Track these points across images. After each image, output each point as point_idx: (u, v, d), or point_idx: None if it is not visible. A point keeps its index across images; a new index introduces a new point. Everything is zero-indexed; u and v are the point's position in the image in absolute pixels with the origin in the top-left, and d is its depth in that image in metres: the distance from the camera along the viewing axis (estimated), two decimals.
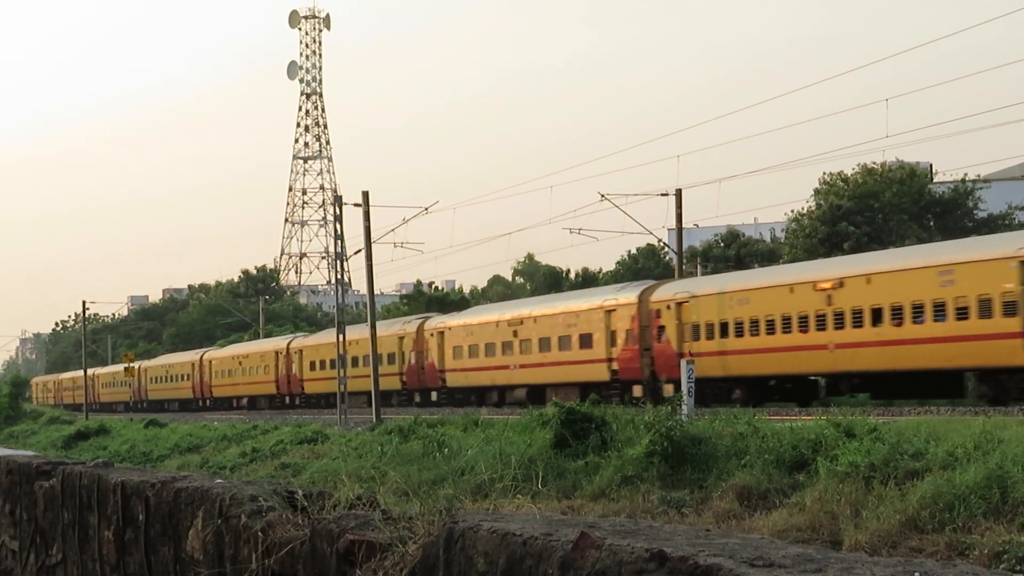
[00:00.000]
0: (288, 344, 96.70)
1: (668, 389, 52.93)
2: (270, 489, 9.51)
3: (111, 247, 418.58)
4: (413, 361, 77.25)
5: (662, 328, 55.70)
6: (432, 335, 75.23)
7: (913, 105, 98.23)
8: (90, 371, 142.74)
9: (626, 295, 59.63)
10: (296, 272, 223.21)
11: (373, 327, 60.40)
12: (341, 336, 61.80)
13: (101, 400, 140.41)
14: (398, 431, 38.59)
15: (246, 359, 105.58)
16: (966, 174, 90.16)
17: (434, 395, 74.87)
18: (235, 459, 44.82)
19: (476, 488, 21.23)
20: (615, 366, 59.09)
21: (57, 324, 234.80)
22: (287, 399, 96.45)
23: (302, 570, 8.38)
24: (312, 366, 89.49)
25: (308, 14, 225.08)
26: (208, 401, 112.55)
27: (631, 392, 55.64)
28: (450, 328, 73.50)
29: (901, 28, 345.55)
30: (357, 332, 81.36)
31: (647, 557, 4.93)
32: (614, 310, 59.07)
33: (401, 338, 78.36)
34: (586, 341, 60.57)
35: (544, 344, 63.56)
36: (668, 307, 55.79)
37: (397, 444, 35.31)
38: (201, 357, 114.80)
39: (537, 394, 61.61)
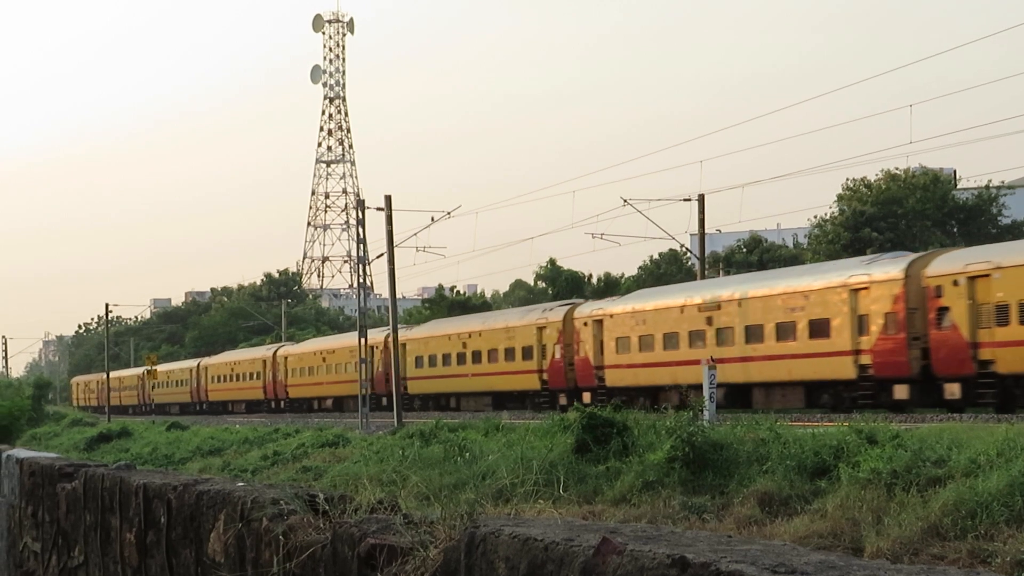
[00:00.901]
0: (387, 338, 76.84)
1: (952, 389, 44.02)
2: (291, 492, 9.51)
3: (134, 251, 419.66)
4: (558, 356, 65.95)
5: (943, 311, 44.38)
6: (585, 324, 63.73)
7: (937, 111, 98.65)
8: (142, 370, 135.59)
9: (884, 269, 47.92)
10: (318, 276, 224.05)
11: (395, 331, 60.47)
12: (363, 340, 61.86)
13: (155, 401, 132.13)
14: (419, 435, 38.64)
15: (332, 355, 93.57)
16: (990, 180, 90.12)
17: (587, 396, 61.31)
18: (257, 462, 44.95)
19: (497, 493, 21.27)
20: (865, 359, 47.55)
21: (80, 327, 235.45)
22: (386, 400, 78.24)
23: (323, 574, 8.39)
24: (419, 362, 75.36)
25: (332, 18, 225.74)
26: (283, 403, 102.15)
27: (890, 393, 46.35)
28: (611, 315, 61.66)
29: (925, 34, 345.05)
30: (478, 323, 75.48)
31: (668, 563, 4.92)
32: (865, 288, 47.63)
33: (542, 328, 67.57)
34: (819, 328, 48.98)
35: (753, 333, 52.33)
36: (955, 283, 43.94)
37: (418, 448, 35.35)
38: (275, 353, 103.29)
39: (740, 395, 52.26)
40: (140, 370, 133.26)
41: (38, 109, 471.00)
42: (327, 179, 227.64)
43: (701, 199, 66.66)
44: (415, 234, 66.16)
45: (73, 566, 15.47)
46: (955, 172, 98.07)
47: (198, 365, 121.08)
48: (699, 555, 4.88)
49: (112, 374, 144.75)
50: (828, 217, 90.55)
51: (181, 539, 11.61)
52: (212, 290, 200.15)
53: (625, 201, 66.75)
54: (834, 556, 4.77)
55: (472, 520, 6.77)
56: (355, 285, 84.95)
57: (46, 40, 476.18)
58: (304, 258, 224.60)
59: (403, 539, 7.38)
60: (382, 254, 60.85)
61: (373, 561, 7.56)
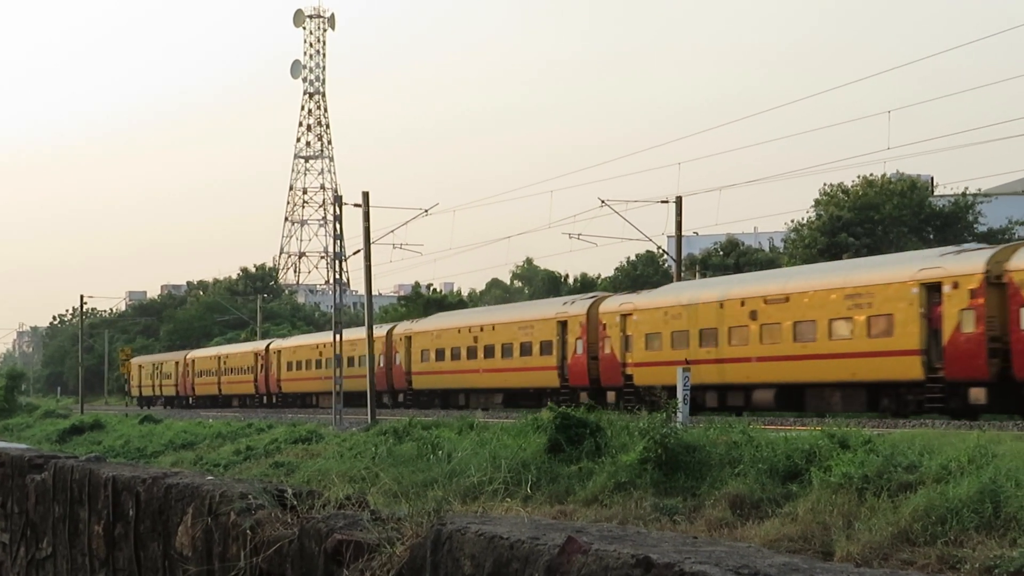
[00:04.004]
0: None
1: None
2: (260, 487, 9.50)
3: (110, 243, 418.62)
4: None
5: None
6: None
7: (915, 117, 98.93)
8: (263, 344, 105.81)
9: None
10: (295, 271, 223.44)
11: (370, 328, 60.34)
12: (338, 336, 61.76)
13: (283, 390, 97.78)
14: (392, 432, 38.59)
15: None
16: (967, 188, 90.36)
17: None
18: (229, 457, 44.85)
19: (466, 491, 21.25)
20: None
21: (55, 318, 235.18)
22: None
23: (290, 569, 8.36)
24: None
25: (313, 13, 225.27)
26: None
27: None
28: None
29: (904, 40, 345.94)
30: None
31: (633, 563, 4.91)
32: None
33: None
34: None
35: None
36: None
37: (391, 445, 35.31)
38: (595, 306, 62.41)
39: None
40: (259, 344, 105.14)
41: (17, 105, 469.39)
42: (305, 174, 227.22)
43: (678, 201, 66.70)
44: (392, 231, 66.37)
45: (41, 558, 15.42)
46: (932, 179, 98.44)
47: (396, 329, 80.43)
48: (663, 555, 4.88)
49: (203, 352, 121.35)
50: (805, 221, 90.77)
51: (149, 532, 11.58)
52: (188, 284, 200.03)
53: (603, 202, 66.81)
54: (798, 559, 4.77)
55: (439, 517, 6.77)
56: (331, 281, 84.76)
57: (26, 37, 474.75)
58: (281, 253, 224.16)
59: (370, 535, 7.36)
60: (359, 251, 60.76)
61: (340, 557, 7.55)
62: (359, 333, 79.93)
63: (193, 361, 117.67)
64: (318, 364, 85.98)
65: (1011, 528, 17.94)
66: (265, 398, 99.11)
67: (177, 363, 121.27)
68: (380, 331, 76.37)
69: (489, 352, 65.87)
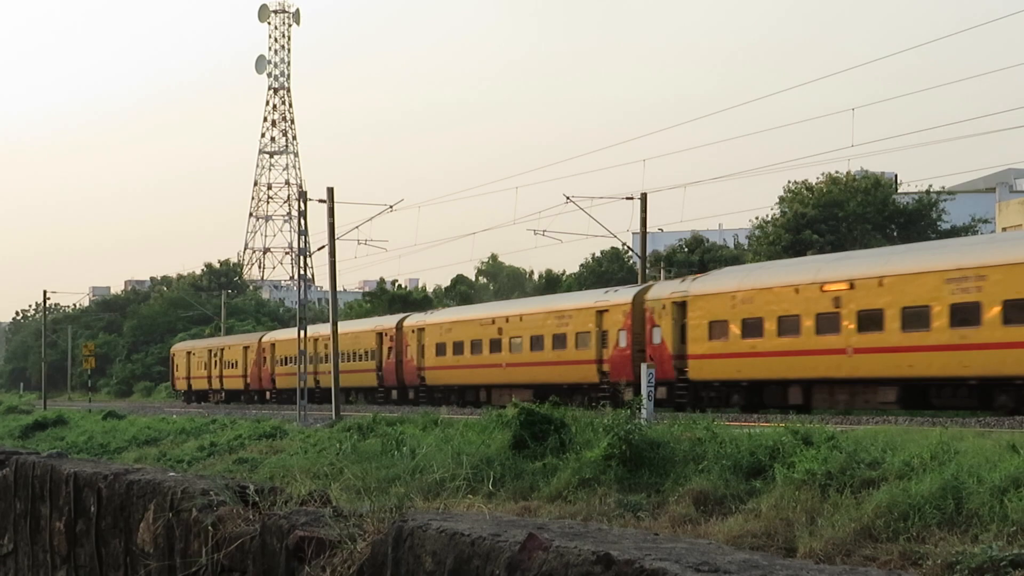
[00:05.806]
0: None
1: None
2: (222, 484, 9.49)
3: (73, 238, 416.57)
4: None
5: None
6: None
7: (879, 115, 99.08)
8: (389, 319, 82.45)
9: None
10: (259, 267, 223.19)
11: (334, 324, 60.24)
12: (303, 332, 61.68)
13: (427, 382, 73.69)
14: (356, 428, 38.57)
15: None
16: (931, 185, 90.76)
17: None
18: (193, 453, 44.78)
19: (429, 488, 21.25)
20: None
21: (17, 313, 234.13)
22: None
23: (251, 565, 8.35)
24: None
25: (278, 8, 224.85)
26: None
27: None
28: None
29: (868, 38, 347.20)
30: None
31: (593, 560, 4.92)
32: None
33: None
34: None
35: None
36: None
37: (355, 442, 35.29)
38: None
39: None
40: (384, 321, 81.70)
41: None
42: (270, 170, 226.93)
43: (643, 198, 66.80)
44: (357, 227, 66.04)
45: (2, 554, 15.35)
46: (896, 176, 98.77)
47: (641, 294, 58.07)
48: (624, 552, 4.87)
49: (281, 334, 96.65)
50: (769, 219, 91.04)
51: (111, 528, 11.54)
52: (152, 279, 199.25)
53: (568, 198, 66.80)
54: (758, 555, 4.77)
55: (401, 514, 6.76)
56: (296, 277, 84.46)
57: None
58: (245, 249, 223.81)
59: (332, 532, 7.35)
60: (323, 246, 60.70)
61: (301, 553, 7.53)
62: (542, 304, 65.90)
63: (272, 345, 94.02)
64: (494, 346, 65.40)
65: (973, 524, 18.02)
66: (395, 392, 76.42)
67: (247, 348, 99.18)
68: (622, 297, 56.67)
69: (870, 322, 41.67)
